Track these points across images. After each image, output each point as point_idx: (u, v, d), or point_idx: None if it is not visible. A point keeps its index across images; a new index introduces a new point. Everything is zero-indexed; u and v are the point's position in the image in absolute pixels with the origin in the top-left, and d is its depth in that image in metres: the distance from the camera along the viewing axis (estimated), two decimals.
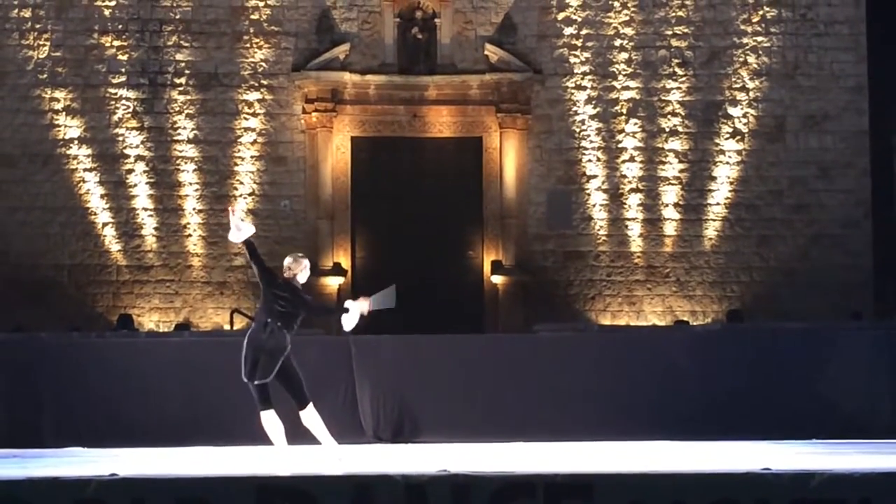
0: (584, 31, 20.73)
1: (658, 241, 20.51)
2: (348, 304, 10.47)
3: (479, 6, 20.70)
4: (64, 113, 20.24)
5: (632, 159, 20.59)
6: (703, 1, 20.80)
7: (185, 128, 20.36)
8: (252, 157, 20.38)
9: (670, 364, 13.13)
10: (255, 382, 9.95)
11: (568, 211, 20.50)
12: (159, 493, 8.03)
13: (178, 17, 20.45)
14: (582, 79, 20.68)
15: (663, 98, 20.68)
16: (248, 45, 20.51)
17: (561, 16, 20.76)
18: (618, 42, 20.73)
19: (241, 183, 20.35)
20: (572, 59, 20.71)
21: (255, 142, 20.41)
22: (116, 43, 20.38)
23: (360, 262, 20.25)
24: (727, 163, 20.63)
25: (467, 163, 20.63)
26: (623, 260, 20.47)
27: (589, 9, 20.75)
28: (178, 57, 20.44)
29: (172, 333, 17.70)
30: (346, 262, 20.06)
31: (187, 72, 20.41)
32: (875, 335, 13.68)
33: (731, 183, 20.59)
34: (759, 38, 20.81)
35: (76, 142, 20.21)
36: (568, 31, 20.75)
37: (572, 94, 20.66)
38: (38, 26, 20.32)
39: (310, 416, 10.13)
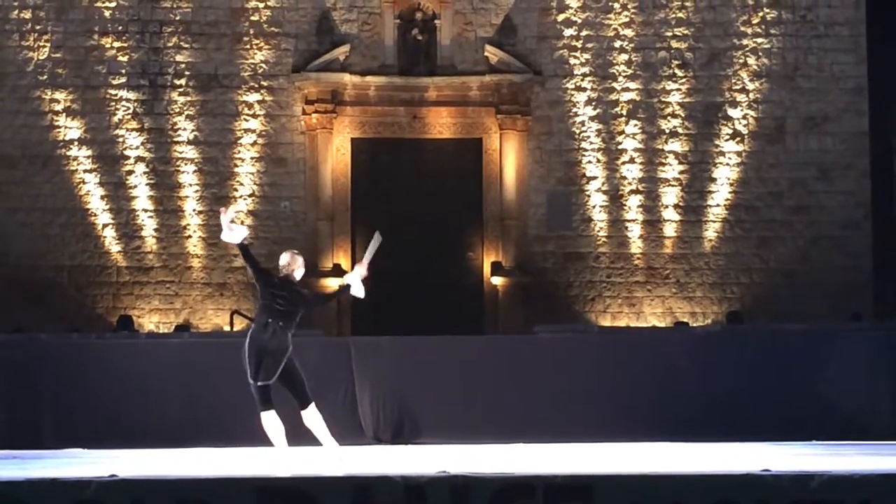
0: (584, 33, 20.74)
1: (658, 242, 20.52)
2: (346, 279, 10.63)
3: (480, 7, 20.71)
4: (64, 114, 20.25)
5: (632, 161, 20.60)
6: (703, 2, 20.80)
7: (185, 129, 20.37)
8: (252, 158, 20.39)
9: (670, 365, 13.13)
10: (260, 384, 9.96)
11: (568, 212, 20.50)
12: (159, 495, 8.03)
13: (178, 18, 20.46)
14: (582, 80, 20.69)
15: (663, 99, 20.69)
16: (248, 47, 20.51)
17: (561, 17, 20.77)
18: (618, 43, 20.73)
19: (241, 184, 20.36)
20: (572, 61, 20.72)
21: (255, 143, 20.42)
22: (116, 44, 20.39)
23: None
24: (727, 164, 20.64)
25: (467, 164, 20.64)
26: (623, 261, 20.48)
27: (589, 10, 20.76)
28: (179, 58, 20.45)
29: (172, 335, 17.70)
30: (346, 264, 20.05)
31: (187, 73, 20.42)
32: (875, 336, 13.68)
33: (731, 184, 20.60)
34: (759, 40, 20.81)
35: (76, 143, 20.22)
36: (568, 32, 20.75)
37: (572, 95, 20.66)
38: (38, 27, 20.32)
39: (311, 416, 10.13)
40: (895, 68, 20.48)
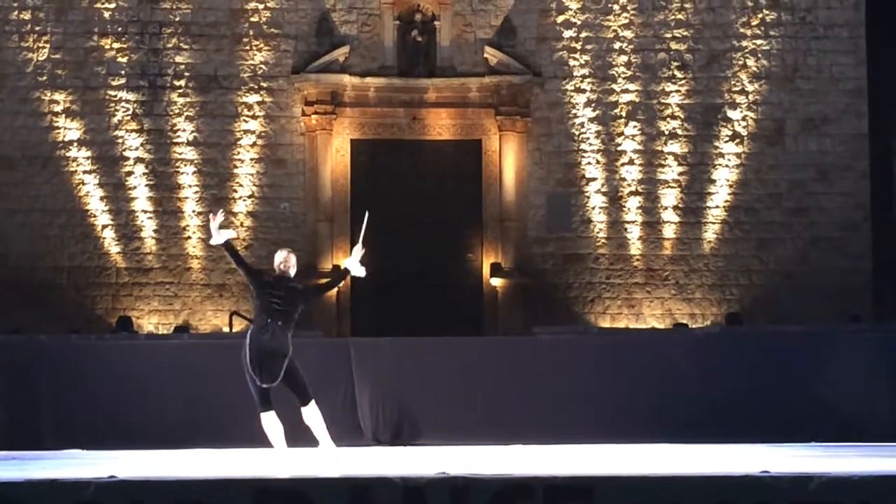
0: (583, 34, 20.74)
1: (657, 243, 20.52)
2: (344, 263, 10.67)
3: (479, 9, 20.71)
4: (63, 115, 20.25)
5: (631, 162, 20.60)
6: (703, 4, 20.80)
7: (184, 130, 20.37)
8: (252, 159, 20.39)
9: (669, 367, 13.12)
10: (264, 386, 9.96)
11: (567, 214, 20.50)
12: (158, 496, 8.03)
13: (177, 19, 20.46)
14: (581, 82, 20.69)
15: (663, 101, 20.69)
16: (247, 48, 20.52)
17: (560, 19, 20.77)
18: (617, 45, 20.74)
19: (241, 185, 20.36)
20: (572, 62, 20.72)
21: (254, 144, 20.42)
22: (116, 45, 20.39)
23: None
24: (726, 166, 20.64)
25: (467, 165, 20.64)
26: (622, 263, 20.48)
27: (588, 12, 20.76)
28: (178, 59, 20.45)
29: (171, 336, 17.69)
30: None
31: (187, 74, 20.42)
32: (874, 338, 13.68)
33: (731, 186, 20.60)
34: (759, 42, 20.82)
35: (76, 144, 20.22)
36: (567, 33, 20.76)
37: (572, 96, 20.67)
38: (37, 28, 20.33)
39: (312, 414, 10.13)
40: (894, 70, 20.49)
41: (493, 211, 20.46)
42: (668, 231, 20.52)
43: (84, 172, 20.18)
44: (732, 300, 20.36)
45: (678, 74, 20.73)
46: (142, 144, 20.32)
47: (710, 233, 20.54)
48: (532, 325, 16.84)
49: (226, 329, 19.12)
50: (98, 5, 20.38)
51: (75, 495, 7.99)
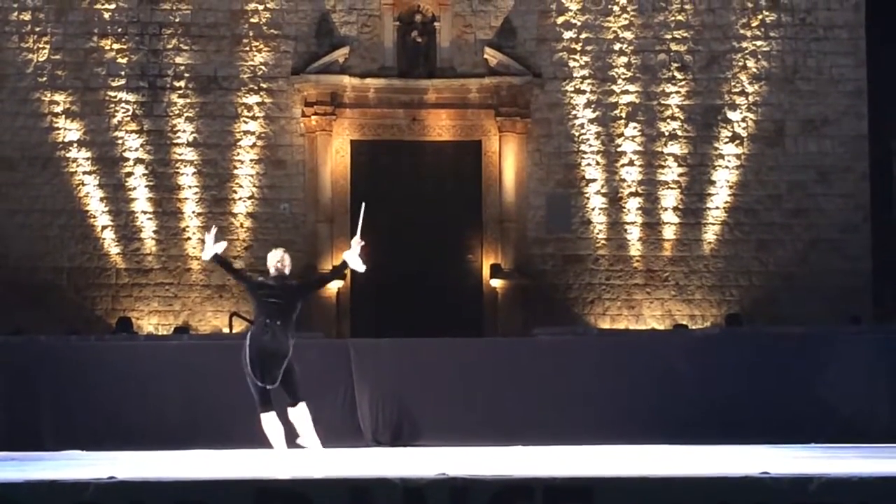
0: (583, 35, 20.74)
1: (657, 244, 20.52)
2: (344, 256, 10.66)
3: (479, 10, 20.71)
4: (63, 116, 20.26)
5: (631, 163, 20.60)
6: (703, 5, 20.80)
7: (184, 131, 20.37)
8: (251, 160, 20.39)
9: (669, 368, 13.13)
10: (268, 387, 10.00)
11: (567, 215, 20.50)
12: (157, 497, 8.03)
13: (177, 20, 20.47)
14: (581, 82, 20.69)
15: (662, 102, 20.69)
16: (247, 49, 20.52)
17: (560, 20, 20.77)
18: (617, 46, 20.74)
19: (241, 186, 20.36)
20: (572, 63, 20.72)
21: (254, 145, 20.42)
22: (116, 46, 20.39)
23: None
24: (726, 167, 20.64)
25: (466, 166, 20.64)
26: (622, 264, 20.48)
27: (588, 13, 20.76)
28: (178, 60, 20.45)
29: (171, 336, 17.69)
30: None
31: (187, 75, 20.42)
32: (874, 339, 13.69)
33: (731, 187, 20.60)
34: (759, 43, 20.82)
35: (75, 145, 20.22)
36: (567, 34, 20.76)
37: (571, 97, 20.67)
38: (37, 29, 20.33)
39: (300, 414, 10.17)
40: (894, 71, 20.48)
41: (492, 212, 20.46)
42: (668, 232, 20.52)
43: (84, 173, 20.18)
44: (732, 301, 20.36)
45: (678, 75, 20.73)
46: (142, 145, 20.32)
47: (710, 234, 20.54)
48: (532, 326, 16.85)
49: (226, 330, 19.11)
50: (98, 6, 20.39)
51: (75, 496, 7.99)
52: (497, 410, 12.92)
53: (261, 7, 20.55)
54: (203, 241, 10.15)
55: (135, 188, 20.25)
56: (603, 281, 20.44)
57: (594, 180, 20.57)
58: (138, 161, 20.29)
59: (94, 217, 20.16)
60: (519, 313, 19.94)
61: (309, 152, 20.40)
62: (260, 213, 20.30)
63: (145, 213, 20.24)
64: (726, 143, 20.67)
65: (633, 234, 20.50)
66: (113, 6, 20.41)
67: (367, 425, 12.98)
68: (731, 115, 20.71)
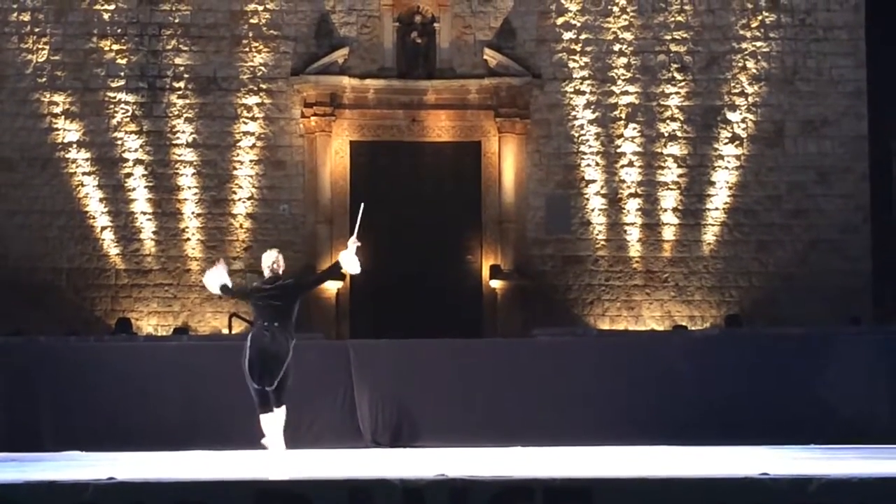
0: (583, 36, 20.75)
1: (657, 245, 20.52)
2: (340, 257, 10.68)
3: (479, 11, 20.71)
4: (63, 116, 20.25)
5: (631, 164, 20.60)
6: (703, 6, 20.81)
7: (183, 132, 20.37)
8: (251, 161, 20.39)
9: (669, 369, 13.13)
10: (268, 388, 10.02)
11: (567, 215, 20.50)
12: (157, 497, 8.02)
13: (177, 21, 20.46)
14: (581, 83, 20.69)
15: (662, 103, 20.69)
16: (247, 50, 20.52)
17: (560, 20, 20.77)
18: (617, 47, 20.74)
19: (240, 187, 20.36)
20: (571, 64, 20.72)
21: (253, 146, 20.42)
22: (115, 47, 20.39)
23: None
24: (726, 168, 20.64)
25: (466, 167, 20.64)
26: (622, 265, 20.47)
27: (588, 13, 20.76)
28: (178, 61, 20.45)
29: (171, 337, 17.69)
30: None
31: (186, 76, 20.42)
32: (874, 340, 13.68)
33: (730, 188, 20.60)
34: (758, 44, 20.82)
35: (75, 145, 20.22)
36: (567, 35, 20.76)
37: (571, 98, 20.67)
38: (37, 30, 20.33)
39: (276, 417, 10.22)
40: (894, 72, 20.49)
41: (492, 213, 20.46)
42: (668, 233, 20.52)
43: (83, 174, 20.18)
44: (732, 302, 20.36)
45: (678, 76, 20.73)
46: (141, 146, 20.32)
47: (710, 235, 20.54)
48: (531, 326, 16.85)
49: (225, 331, 19.11)
50: (97, 7, 20.38)
51: (74, 497, 7.98)
52: (496, 411, 12.92)
53: (260, 8, 20.55)
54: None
55: (134, 189, 20.25)
56: (602, 282, 20.44)
57: (594, 181, 20.57)
58: (138, 162, 20.29)
59: (94, 218, 20.15)
60: (518, 314, 19.94)
61: (308, 153, 20.40)
62: (259, 213, 20.29)
63: (145, 213, 20.24)
64: (726, 143, 20.67)
65: (633, 234, 20.50)
66: (112, 7, 20.41)
67: (366, 426, 12.97)
68: (730, 115, 20.71)
